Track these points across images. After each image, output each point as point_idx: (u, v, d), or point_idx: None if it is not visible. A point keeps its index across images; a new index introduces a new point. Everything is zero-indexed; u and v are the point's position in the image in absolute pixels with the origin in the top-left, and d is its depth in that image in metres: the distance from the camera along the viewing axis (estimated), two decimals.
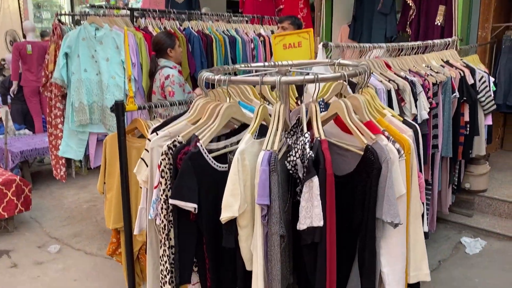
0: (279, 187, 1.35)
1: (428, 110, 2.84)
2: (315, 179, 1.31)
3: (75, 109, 3.45)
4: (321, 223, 1.32)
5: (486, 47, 4.64)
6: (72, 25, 4.17)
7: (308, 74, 1.52)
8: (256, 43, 4.53)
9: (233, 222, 1.40)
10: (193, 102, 1.75)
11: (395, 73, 2.82)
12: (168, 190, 1.53)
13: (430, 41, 3.39)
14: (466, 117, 3.41)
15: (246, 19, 5.18)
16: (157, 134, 1.69)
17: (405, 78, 2.77)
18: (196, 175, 1.45)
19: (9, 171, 4.48)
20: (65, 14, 4.69)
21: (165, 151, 1.52)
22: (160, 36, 3.38)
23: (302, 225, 1.35)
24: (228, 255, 1.54)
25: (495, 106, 3.75)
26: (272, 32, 4.74)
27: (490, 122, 3.81)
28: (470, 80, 3.43)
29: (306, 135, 1.41)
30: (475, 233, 3.75)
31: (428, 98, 2.85)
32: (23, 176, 4.95)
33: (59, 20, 3.81)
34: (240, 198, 1.37)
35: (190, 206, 1.44)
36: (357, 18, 5.56)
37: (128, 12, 4.19)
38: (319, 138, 1.41)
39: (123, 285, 2.85)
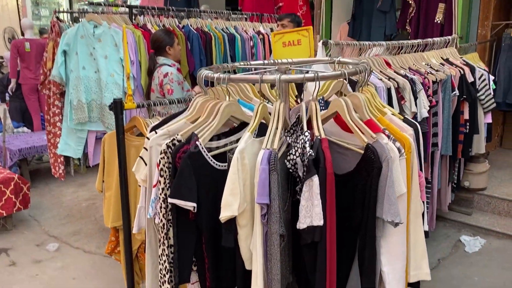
0: (279, 186, 1.34)
1: (428, 108, 2.84)
2: (315, 178, 1.31)
3: (74, 107, 3.44)
4: (321, 222, 1.31)
5: (486, 45, 4.64)
6: (70, 22, 4.15)
7: (308, 72, 1.50)
8: (255, 41, 4.51)
9: (232, 221, 1.39)
10: (192, 100, 1.74)
11: (395, 71, 2.82)
12: (167, 189, 1.52)
13: (430, 39, 3.38)
14: (466, 115, 3.40)
15: (245, 16, 5.16)
16: (156, 133, 1.67)
17: (405, 76, 2.77)
18: (195, 174, 1.44)
19: (7, 169, 4.46)
20: (63, 12, 4.66)
21: (164, 149, 1.51)
22: (158, 34, 3.37)
23: (302, 224, 1.34)
24: (228, 254, 1.53)
25: (495, 104, 3.74)
26: (272, 30, 4.73)
27: (490, 120, 3.81)
28: (470, 78, 3.43)
29: (306, 133, 1.40)
30: (474, 232, 3.75)
31: (428, 96, 2.84)
32: (21, 174, 4.94)
33: (57, 18, 3.80)
34: (239, 197, 1.36)
35: (190, 205, 1.43)
36: (356, 16, 5.55)
37: (127, 9, 4.17)
38: (319, 137, 1.40)
39: (122, 283, 2.84)
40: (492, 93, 3.74)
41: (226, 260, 1.56)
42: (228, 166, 1.40)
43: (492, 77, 3.88)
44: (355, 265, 1.55)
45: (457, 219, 3.90)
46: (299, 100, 2.14)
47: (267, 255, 1.38)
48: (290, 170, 1.44)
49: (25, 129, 6.08)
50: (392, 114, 1.69)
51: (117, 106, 2.09)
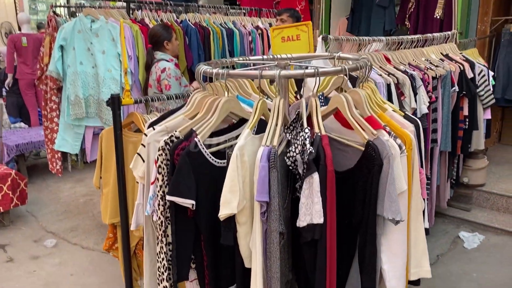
0: (279, 184, 1.32)
1: (428, 104, 2.82)
2: (316, 176, 1.29)
3: (71, 102, 3.41)
4: (321, 220, 1.30)
5: (485, 40, 4.62)
6: (67, 17, 4.11)
7: (307, 67, 1.49)
8: (254, 36, 4.49)
9: (231, 219, 1.38)
10: (190, 96, 1.72)
11: (394, 67, 2.80)
12: (165, 186, 1.51)
13: (429, 35, 3.36)
14: (465, 111, 3.39)
15: (244, 11, 5.13)
16: (154, 129, 1.65)
17: (405, 72, 2.75)
18: (194, 171, 1.43)
19: (4, 164, 4.44)
20: (60, 6, 4.61)
21: (162, 146, 1.49)
22: (156, 29, 3.34)
23: (302, 222, 1.33)
24: (227, 252, 1.52)
25: (494, 100, 3.73)
26: (270, 24, 4.70)
27: (489, 116, 3.80)
28: (470, 74, 3.41)
29: (306, 130, 1.38)
30: (473, 228, 3.75)
31: (427, 92, 2.83)
32: (18, 170, 4.92)
33: (54, 12, 3.75)
34: (239, 195, 1.34)
35: (188, 203, 1.41)
36: (355, 11, 5.52)
37: (124, 4, 4.14)
38: (319, 134, 1.39)
39: (120, 280, 2.83)
40: (492, 89, 3.73)
41: (225, 258, 1.55)
42: (227, 163, 1.39)
43: (491, 73, 3.86)
44: (355, 263, 1.54)
45: (455, 215, 3.90)
46: (298, 96, 2.12)
47: (266, 253, 1.37)
48: (290, 167, 1.42)
49: (22, 124, 6.05)
50: (393, 110, 1.67)
51: (114, 102, 2.06)
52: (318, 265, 1.36)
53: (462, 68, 3.30)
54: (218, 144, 1.55)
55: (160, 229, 1.53)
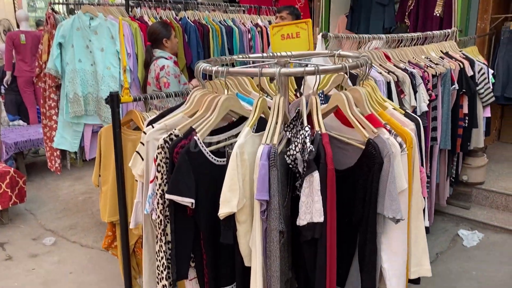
0: (279, 182, 1.32)
1: (428, 102, 2.82)
2: (316, 174, 1.28)
3: (70, 100, 3.40)
4: (321, 219, 1.29)
5: (485, 38, 4.61)
6: (66, 14, 4.10)
7: (307, 65, 1.48)
8: (253, 34, 4.48)
9: (231, 217, 1.37)
10: (190, 94, 1.71)
11: (394, 65, 2.79)
12: (165, 185, 1.50)
13: (429, 32, 3.35)
14: (465, 109, 3.38)
15: (243, 9, 5.13)
16: (153, 127, 1.65)
17: (405, 70, 2.74)
18: (193, 170, 1.42)
19: (3, 162, 4.43)
20: (58, 3, 4.60)
21: (161, 144, 1.48)
22: (155, 26, 3.33)
23: (302, 220, 1.32)
24: (226, 251, 1.51)
25: (494, 98, 3.73)
26: (270, 22, 4.69)
27: (489, 114, 3.79)
28: (470, 72, 3.40)
29: (307, 128, 1.37)
30: (472, 226, 3.74)
31: (427, 90, 2.82)
32: (17, 167, 4.91)
33: (53, 9, 3.74)
34: (238, 193, 1.34)
35: (187, 201, 1.40)
36: (354, 8, 5.51)
37: (123, 1, 4.12)
38: (319, 132, 1.38)
39: (119, 278, 2.83)
40: (491, 87, 3.72)
41: (224, 257, 1.54)
42: (227, 161, 1.38)
43: (491, 71, 3.85)
44: (355, 261, 1.53)
45: (455, 213, 3.89)
46: (298, 94, 2.12)
47: (266, 251, 1.36)
48: (290, 166, 1.41)
49: (21, 122, 6.03)
50: (393, 109, 1.66)
51: (113, 100, 2.05)
52: (318, 264, 1.36)
53: (462, 66, 3.30)
54: (217, 142, 1.54)
55: (159, 228, 1.53)
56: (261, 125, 1.50)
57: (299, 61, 1.93)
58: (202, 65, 1.57)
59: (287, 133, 1.49)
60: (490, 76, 3.76)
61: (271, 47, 2.81)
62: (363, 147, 1.40)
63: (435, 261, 3.23)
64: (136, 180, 1.86)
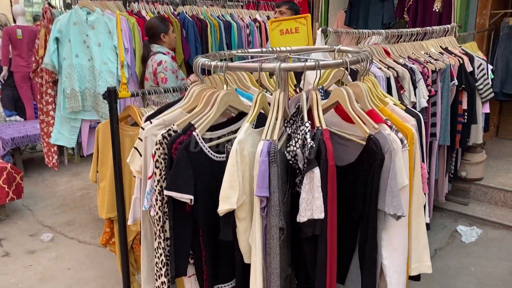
0: (279, 179, 1.30)
1: (427, 98, 2.80)
2: (316, 170, 1.27)
3: (67, 95, 3.37)
4: (322, 216, 1.28)
5: (484, 34, 4.60)
6: (62, 9, 4.07)
7: (307, 60, 1.46)
8: (251, 29, 4.45)
9: (231, 214, 1.36)
10: (188, 89, 1.69)
11: (394, 60, 2.78)
12: (163, 181, 1.48)
13: (429, 28, 3.34)
14: (464, 105, 3.38)
15: (242, 4, 5.09)
16: (151, 123, 1.63)
17: (405, 65, 2.73)
18: (192, 166, 1.40)
19: (0, 158, 4.40)
20: None
21: (159, 140, 1.46)
22: (153, 21, 3.30)
23: (302, 217, 1.31)
24: (226, 248, 1.50)
25: (493, 94, 3.72)
26: (268, 17, 4.67)
27: (488, 110, 3.78)
28: (469, 68, 3.39)
29: (307, 124, 1.35)
30: (471, 222, 3.74)
31: (427, 85, 2.81)
32: (14, 163, 4.87)
33: (49, 4, 3.70)
34: (238, 190, 1.32)
35: (186, 198, 1.39)
36: (353, 4, 5.48)
37: None
38: (320, 128, 1.36)
39: (117, 274, 2.81)
40: (491, 83, 3.71)
41: (224, 254, 1.53)
42: (227, 157, 1.36)
43: (490, 67, 3.84)
44: (356, 258, 1.53)
45: (453, 209, 3.89)
46: (298, 90, 2.10)
47: (266, 248, 1.35)
48: (290, 162, 1.40)
49: (18, 117, 6.00)
50: (394, 104, 1.65)
51: (111, 95, 2.03)
52: (318, 260, 1.35)
53: (461, 61, 3.28)
54: (217, 138, 1.52)
55: (158, 224, 1.51)
56: (260, 121, 1.48)
57: (298, 56, 1.92)
58: (201, 60, 1.55)
59: (287, 129, 1.48)
60: (489, 72, 3.75)
61: (270, 42, 2.79)
62: (364, 143, 1.39)
63: (433, 257, 3.23)
64: (134, 176, 1.84)
